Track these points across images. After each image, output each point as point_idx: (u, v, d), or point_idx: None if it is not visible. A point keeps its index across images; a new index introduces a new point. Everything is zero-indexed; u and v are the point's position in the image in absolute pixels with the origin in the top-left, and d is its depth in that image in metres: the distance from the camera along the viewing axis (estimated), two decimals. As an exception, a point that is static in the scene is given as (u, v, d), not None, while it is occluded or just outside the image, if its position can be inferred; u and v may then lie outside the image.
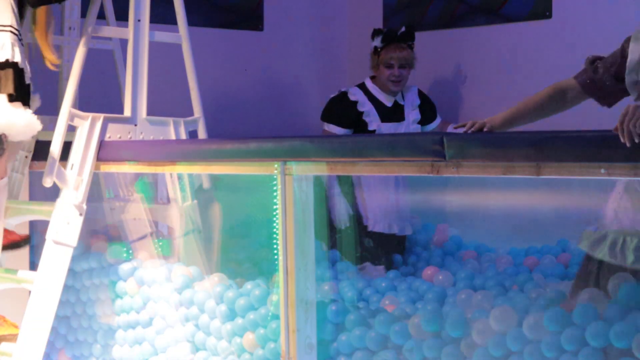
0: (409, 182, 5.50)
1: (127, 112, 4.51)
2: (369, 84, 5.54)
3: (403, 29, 5.53)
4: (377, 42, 5.49)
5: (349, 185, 5.37)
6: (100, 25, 4.52)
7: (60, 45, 4.95)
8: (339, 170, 3.63)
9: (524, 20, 5.70)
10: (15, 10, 4.13)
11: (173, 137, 4.60)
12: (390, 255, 5.41)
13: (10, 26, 4.07)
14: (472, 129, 3.52)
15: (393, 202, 5.52)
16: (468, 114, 5.80)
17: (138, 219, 4.73)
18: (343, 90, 5.55)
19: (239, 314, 4.12)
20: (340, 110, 5.49)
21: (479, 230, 5.47)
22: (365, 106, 5.48)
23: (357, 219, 5.38)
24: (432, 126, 5.66)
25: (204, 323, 4.27)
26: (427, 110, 5.64)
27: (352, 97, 5.49)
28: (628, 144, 2.90)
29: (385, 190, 5.50)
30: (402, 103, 5.56)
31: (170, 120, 4.62)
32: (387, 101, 5.52)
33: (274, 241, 3.83)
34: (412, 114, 5.57)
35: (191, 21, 4.73)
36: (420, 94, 5.65)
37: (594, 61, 3.64)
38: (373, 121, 5.47)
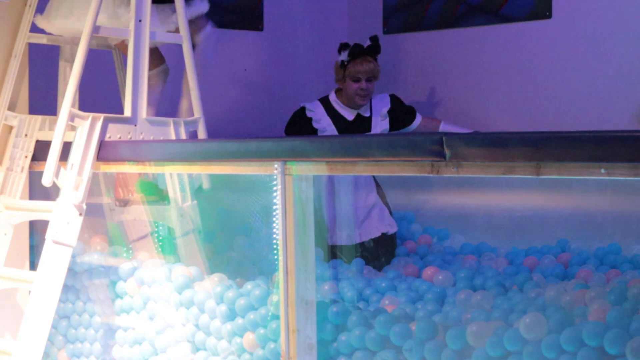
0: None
1: (127, 112, 4.50)
2: (332, 98, 5.58)
3: (369, 42, 5.53)
4: (344, 56, 5.52)
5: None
6: (100, 25, 4.51)
7: (61, 46, 4.95)
8: (339, 170, 3.63)
9: (524, 20, 5.70)
10: None
11: (173, 137, 4.59)
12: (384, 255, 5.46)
13: None
14: None
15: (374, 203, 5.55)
16: (468, 114, 5.80)
17: (138, 219, 4.73)
18: (303, 105, 5.60)
19: (239, 314, 4.12)
20: (298, 126, 5.57)
21: (479, 230, 5.47)
22: (321, 122, 5.53)
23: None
24: (413, 127, 5.66)
25: (204, 323, 4.27)
26: (401, 114, 5.64)
27: (308, 114, 5.56)
28: None
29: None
30: (367, 115, 5.57)
31: (170, 120, 4.62)
32: (349, 115, 5.54)
33: (274, 241, 3.82)
34: (381, 125, 5.58)
35: (191, 21, 4.73)
36: (393, 100, 5.64)
37: None
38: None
